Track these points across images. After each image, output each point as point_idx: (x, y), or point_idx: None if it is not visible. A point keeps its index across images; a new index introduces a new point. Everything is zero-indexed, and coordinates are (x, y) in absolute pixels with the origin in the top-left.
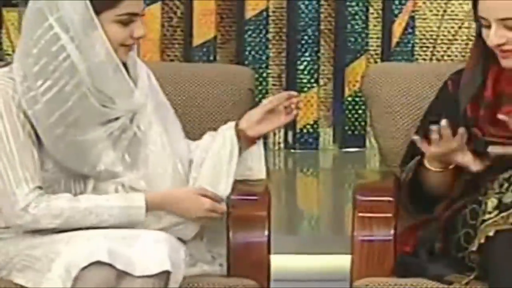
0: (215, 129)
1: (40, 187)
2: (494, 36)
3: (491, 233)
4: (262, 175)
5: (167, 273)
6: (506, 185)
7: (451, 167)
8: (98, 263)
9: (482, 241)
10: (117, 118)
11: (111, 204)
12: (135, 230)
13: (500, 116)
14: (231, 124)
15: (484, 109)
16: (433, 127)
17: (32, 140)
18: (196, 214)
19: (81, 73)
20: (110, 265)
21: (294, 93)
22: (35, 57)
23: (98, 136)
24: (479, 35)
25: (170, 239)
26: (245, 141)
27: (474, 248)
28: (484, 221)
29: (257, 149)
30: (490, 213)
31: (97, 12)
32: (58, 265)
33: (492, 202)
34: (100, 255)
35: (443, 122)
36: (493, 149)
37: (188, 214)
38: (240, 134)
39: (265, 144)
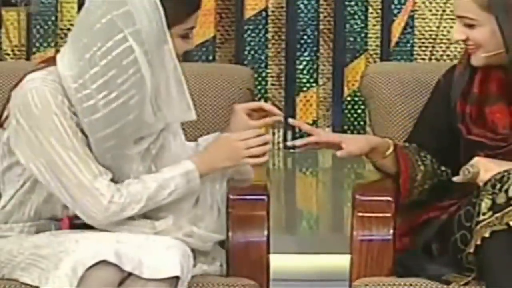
0: (213, 128)
1: (112, 178)
2: (455, 32)
3: (486, 234)
4: (252, 174)
5: (176, 279)
6: (498, 185)
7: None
8: (105, 263)
9: (478, 242)
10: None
11: (172, 175)
12: (147, 236)
13: (454, 179)
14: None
15: (470, 106)
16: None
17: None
18: (239, 158)
19: (148, 88)
20: (116, 266)
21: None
22: (103, 68)
23: (138, 150)
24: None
25: (181, 245)
26: None
27: (471, 250)
28: (478, 222)
29: None
30: (484, 214)
31: (169, 26)
32: (66, 264)
33: (486, 203)
34: (106, 255)
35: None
36: (457, 179)
37: (236, 161)
38: None
39: None
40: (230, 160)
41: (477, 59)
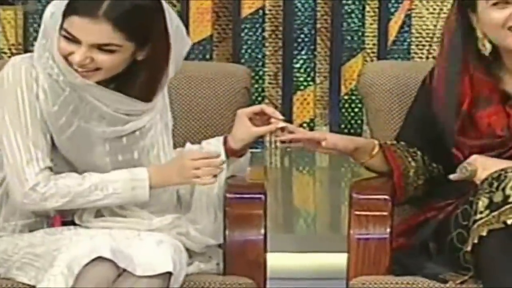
0: (210, 127)
1: (50, 168)
2: (506, 16)
3: (484, 233)
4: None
5: (169, 274)
6: (495, 184)
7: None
8: (100, 259)
9: (476, 241)
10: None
11: (115, 178)
12: (139, 232)
13: (451, 176)
14: (218, 138)
15: (461, 120)
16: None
17: (46, 127)
18: (186, 177)
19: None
20: (112, 262)
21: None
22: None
23: (102, 129)
24: (463, 36)
25: (173, 241)
26: (231, 154)
27: (468, 249)
28: (476, 221)
29: (244, 161)
30: (481, 212)
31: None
32: (61, 262)
33: (483, 202)
34: (102, 251)
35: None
36: (454, 177)
37: (184, 178)
38: (227, 148)
39: (262, 142)
40: (179, 177)
41: None
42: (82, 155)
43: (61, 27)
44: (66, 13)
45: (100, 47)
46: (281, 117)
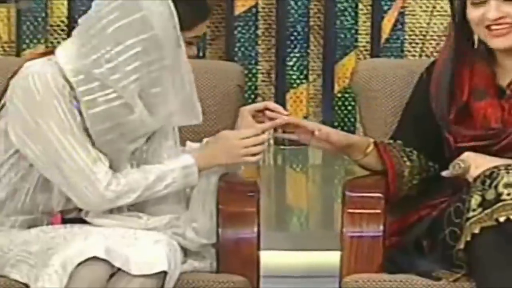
0: (203, 125)
1: (110, 166)
2: (490, 11)
3: (476, 231)
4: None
5: (164, 273)
6: (488, 182)
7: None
8: (94, 259)
9: (468, 238)
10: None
11: (171, 167)
12: (135, 230)
13: (444, 173)
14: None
15: (456, 111)
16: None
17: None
18: (236, 156)
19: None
20: (106, 261)
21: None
22: (107, 71)
23: (132, 148)
24: (457, 30)
25: (168, 240)
26: None
27: (461, 246)
28: (468, 218)
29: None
30: (474, 210)
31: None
32: (55, 261)
33: (475, 200)
34: (96, 251)
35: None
36: (446, 174)
37: (233, 158)
38: None
39: None
40: (228, 157)
41: (507, 41)
42: (113, 155)
43: None
44: None
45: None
46: (285, 112)
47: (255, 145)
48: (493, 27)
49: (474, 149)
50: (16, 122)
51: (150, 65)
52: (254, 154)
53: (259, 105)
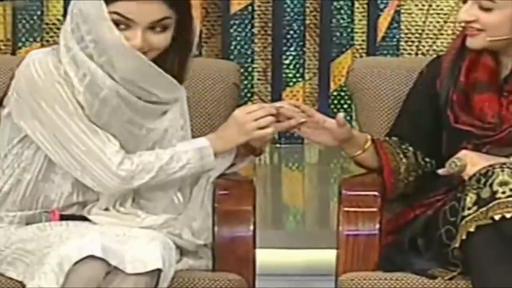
0: (198, 124)
1: (122, 147)
2: (462, 12)
3: (472, 229)
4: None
5: (158, 271)
6: (483, 180)
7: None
8: (91, 257)
9: (464, 237)
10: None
11: (185, 149)
12: (130, 228)
13: (440, 171)
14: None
15: (457, 94)
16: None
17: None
18: (249, 131)
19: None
20: (103, 260)
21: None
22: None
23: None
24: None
25: (163, 238)
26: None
27: (456, 245)
28: (464, 217)
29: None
30: (469, 209)
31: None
32: (51, 260)
33: (470, 198)
34: (93, 249)
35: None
36: (442, 172)
37: (247, 134)
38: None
39: None
40: (241, 134)
41: (477, 42)
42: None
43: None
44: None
45: (154, 27)
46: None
47: (262, 117)
48: (467, 25)
49: (470, 135)
50: (22, 110)
51: (83, 40)
52: (264, 128)
53: (272, 109)
